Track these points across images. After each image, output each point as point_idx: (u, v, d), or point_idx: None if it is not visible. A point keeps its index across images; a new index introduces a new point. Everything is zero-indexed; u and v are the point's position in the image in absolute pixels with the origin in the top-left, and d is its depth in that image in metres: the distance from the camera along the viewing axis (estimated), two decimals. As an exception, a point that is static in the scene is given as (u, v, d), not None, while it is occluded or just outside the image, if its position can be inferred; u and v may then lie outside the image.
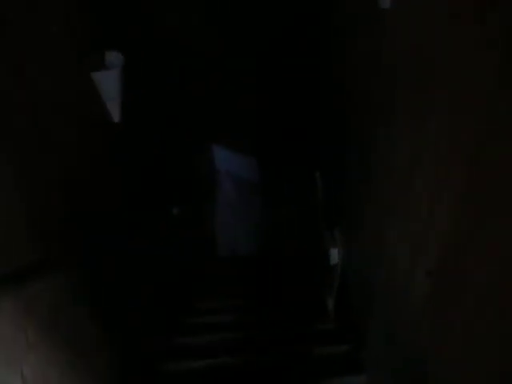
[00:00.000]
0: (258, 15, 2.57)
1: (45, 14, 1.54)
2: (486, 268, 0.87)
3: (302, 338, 2.49)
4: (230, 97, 3.98)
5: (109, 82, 1.96)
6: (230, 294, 3.29)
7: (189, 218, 4.14)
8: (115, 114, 2.05)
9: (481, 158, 0.86)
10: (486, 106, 0.82)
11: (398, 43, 1.19)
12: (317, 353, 2.26)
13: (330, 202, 2.59)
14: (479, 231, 0.89)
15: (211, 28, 2.71)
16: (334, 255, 2.25)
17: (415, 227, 1.20)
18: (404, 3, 1.12)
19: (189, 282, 3.45)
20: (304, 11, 2.55)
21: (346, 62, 1.89)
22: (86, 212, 1.70)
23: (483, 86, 0.82)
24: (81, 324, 1.46)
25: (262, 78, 3.37)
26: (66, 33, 1.74)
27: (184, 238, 3.93)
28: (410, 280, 1.28)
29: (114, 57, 1.99)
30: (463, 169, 0.93)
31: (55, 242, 1.41)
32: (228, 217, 5.35)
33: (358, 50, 1.63)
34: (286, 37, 2.77)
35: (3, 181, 1.18)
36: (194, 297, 3.17)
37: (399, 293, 1.41)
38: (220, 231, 5.19)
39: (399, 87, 1.22)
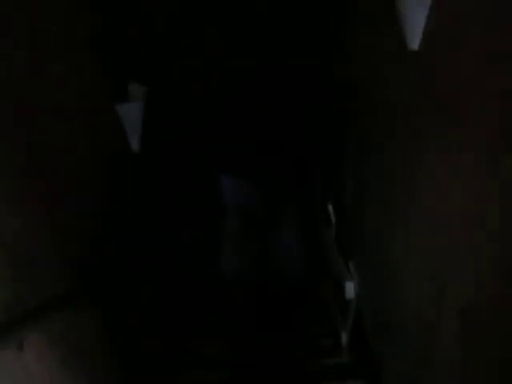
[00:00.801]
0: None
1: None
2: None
3: (314, 371, 2.45)
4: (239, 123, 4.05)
5: (131, 114, 2.00)
6: (237, 323, 3.26)
7: (197, 245, 4.15)
8: (135, 144, 2.08)
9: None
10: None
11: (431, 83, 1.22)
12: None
13: (343, 235, 2.59)
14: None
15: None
16: (350, 289, 2.24)
17: (445, 265, 1.20)
18: (435, 46, 1.15)
19: (194, 309, 3.42)
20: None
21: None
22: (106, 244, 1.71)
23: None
24: (100, 360, 1.45)
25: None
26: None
27: (192, 263, 3.94)
28: (436, 319, 1.27)
29: (136, 88, 2.04)
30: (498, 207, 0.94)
31: (79, 278, 1.41)
32: (235, 245, 5.35)
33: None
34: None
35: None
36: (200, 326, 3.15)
37: (422, 332, 1.40)
38: (227, 258, 5.18)
39: (429, 127, 1.24)
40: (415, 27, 1.18)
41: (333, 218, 2.74)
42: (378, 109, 1.74)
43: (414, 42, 1.21)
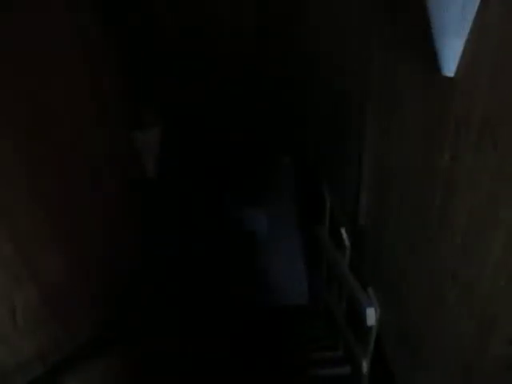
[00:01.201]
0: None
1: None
2: None
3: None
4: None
5: (148, 140, 1.99)
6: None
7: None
8: (150, 170, 2.06)
9: None
10: None
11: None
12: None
13: (359, 259, 2.56)
14: None
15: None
16: (371, 315, 2.19)
17: (489, 292, 1.17)
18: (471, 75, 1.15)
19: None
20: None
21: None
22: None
23: None
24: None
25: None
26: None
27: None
28: (480, 350, 1.24)
29: (152, 117, 2.03)
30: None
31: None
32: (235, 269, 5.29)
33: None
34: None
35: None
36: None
37: (461, 363, 1.36)
38: (235, 283, 5.12)
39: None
40: (451, 54, 1.18)
41: (347, 242, 2.71)
42: (391, 129, 1.74)
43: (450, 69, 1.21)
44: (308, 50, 2.25)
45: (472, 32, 1.10)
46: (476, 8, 1.05)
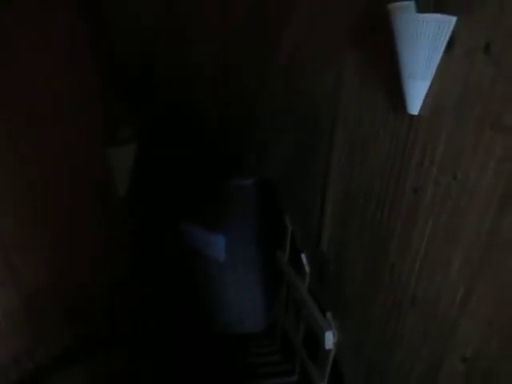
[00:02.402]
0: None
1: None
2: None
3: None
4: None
5: (121, 158, 1.99)
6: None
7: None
8: (122, 188, 2.06)
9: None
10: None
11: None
12: None
13: (318, 285, 2.63)
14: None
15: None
16: (329, 339, 2.26)
17: (446, 314, 1.26)
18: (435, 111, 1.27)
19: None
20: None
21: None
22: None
23: None
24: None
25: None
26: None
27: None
28: (435, 368, 1.32)
29: (127, 133, 2.05)
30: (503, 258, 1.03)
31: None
32: (193, 296, 5.23)
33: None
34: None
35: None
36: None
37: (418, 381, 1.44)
38: (191, 308, 5.05)
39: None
40: (417, 95, 1.30)
41: (307, 268, 2.78)
42: (355, 157, 1.85)
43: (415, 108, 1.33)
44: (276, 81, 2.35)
45: (436, 75, 1.23)
46: (441, 54, 1.18)
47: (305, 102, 2.37)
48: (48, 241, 1.16)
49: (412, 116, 1.36)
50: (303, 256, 2.86)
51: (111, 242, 1.95)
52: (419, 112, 1.33)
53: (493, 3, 1.02)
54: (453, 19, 1.13)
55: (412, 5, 1.26)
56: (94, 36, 1.66)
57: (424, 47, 1.19)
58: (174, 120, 2.73)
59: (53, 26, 1.32)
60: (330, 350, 2.30)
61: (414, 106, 1.32)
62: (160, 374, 3.18)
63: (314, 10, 1.58)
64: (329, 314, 2.37)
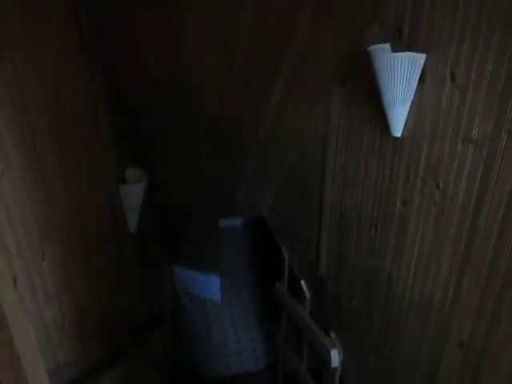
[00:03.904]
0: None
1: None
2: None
3: None
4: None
5: (131, 195, 2.16)
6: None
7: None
8: (132, 225, 2.21)
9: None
10: None
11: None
12: None
13: (320, 309, 2.75)
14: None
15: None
16: (335, 357, 2.37)
17: (441, 307, 1.43)
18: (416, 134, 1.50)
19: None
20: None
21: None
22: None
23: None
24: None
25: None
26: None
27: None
28: (438, 360, 1.47)
29: (137, 173, 2.22)
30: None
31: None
32: (192, 338, 5.24)
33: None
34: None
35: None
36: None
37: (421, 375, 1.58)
38: (184, 352, 5.04)
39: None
40: (399, 119, 1.53)
41: (307, 293, 2.91)
42: (346, 179, 2.05)
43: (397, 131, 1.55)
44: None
45: (413, 102, 1.46)
46: (415, 84, 1.42)
47: (296, 135, 2.60)
48: (87, 268, 1.31)
49: (396, 138, 1.58)
50: (303, 283, 3.00)
51: (126, 274, 2.08)
52: (402, 134, 1.55)
53: (456, 41, 1.26)
54: (423, 56, 1.37)
55: (388, 46, 1.51)
56: (109, 96, 1.87)
57: (400, 80, 1.43)
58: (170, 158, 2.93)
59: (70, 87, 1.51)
60: (335, 369, 2.40)
61: (397, 129, 1.54)
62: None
63: (303, 58, 1.83)
64: (332, 334, 2.50)
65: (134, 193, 2.19)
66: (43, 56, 1.26)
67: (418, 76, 1.41)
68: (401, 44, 1.48)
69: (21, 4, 1.13)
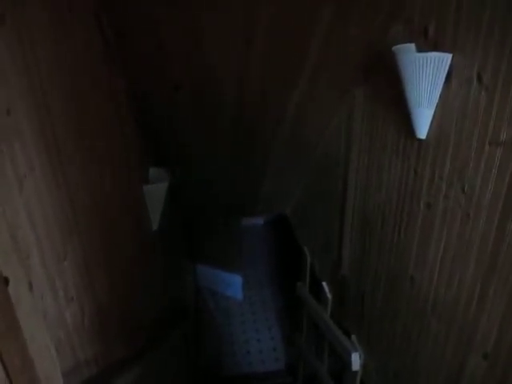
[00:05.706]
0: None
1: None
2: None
3: None
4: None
5: (154, 195, 2.18)
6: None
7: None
8: (155, 223, 2.23)
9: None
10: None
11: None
12: None
13: (342, 311, 2.72)
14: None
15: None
16: (356, 360, 2.34)
17: (465, 315, 1.39)
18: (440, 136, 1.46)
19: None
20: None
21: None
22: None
23: None
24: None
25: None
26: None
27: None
28: (461, 369, 1.43)
29: (160, 172, 2.24)
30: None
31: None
32: (214, 335, 5.27)
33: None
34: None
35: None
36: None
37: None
38: (206, 349, 5.08)
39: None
40: (423, 121, 1.49)
41: (328, 295, 2.89)
42: (369, 182, 2.02)
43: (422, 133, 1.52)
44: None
45: (439, 103, 1.42)
46: (441, 85, 1.38)
47: (318, 135, 2.58)
48: (108, 267, 1.33)
49: (420, 140, 1.54)
50: (324, 284, 2.98)
51: (148, 272, 2.11)
52: (426, 136, 1.51)
53: (483, 41, 1.22)
54: (449, 56, 1.33)
55: (413, 46, 1.47)
56: (132, 96, 1.89)
57: (426, 81, 1.39)
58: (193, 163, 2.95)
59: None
60: (356, 372, 2.38)
61: (422, 130, 1.51)
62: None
63: (325, 57, 1.81)
64: (353, 337, 2.47)
65: (157, 193, 2.21)
66: (67, 57, 1.28)
67: (444, 76, 1.37)
68: (426, 44, 1.45)
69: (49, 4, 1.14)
